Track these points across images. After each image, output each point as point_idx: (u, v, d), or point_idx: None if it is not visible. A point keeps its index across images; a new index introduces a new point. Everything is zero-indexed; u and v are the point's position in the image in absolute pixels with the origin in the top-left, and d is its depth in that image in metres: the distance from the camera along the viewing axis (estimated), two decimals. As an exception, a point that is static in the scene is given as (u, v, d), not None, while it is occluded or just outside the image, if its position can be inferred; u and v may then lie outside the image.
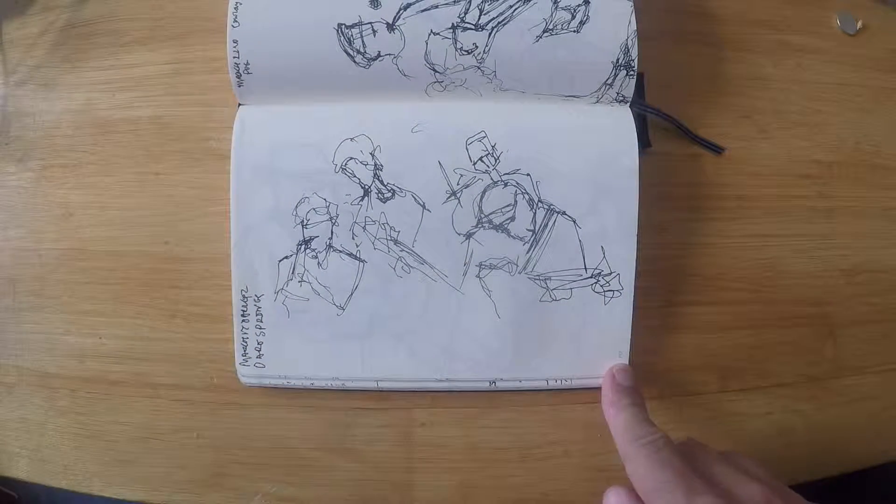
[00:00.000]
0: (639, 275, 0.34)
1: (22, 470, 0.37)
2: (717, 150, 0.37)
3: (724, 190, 0.38)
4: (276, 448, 0.36)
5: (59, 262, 0.37)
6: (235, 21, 0.33)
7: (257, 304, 0.34)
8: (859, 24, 0.40)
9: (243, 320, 0.34)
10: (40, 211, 0.38)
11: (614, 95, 0.34)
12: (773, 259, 0.38)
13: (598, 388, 0.34)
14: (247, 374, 0.34)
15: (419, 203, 0.33)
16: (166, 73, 0.38)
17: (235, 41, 0.33)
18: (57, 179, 0.38)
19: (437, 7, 0.33)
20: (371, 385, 0.34)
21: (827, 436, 0.37)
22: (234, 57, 0.33)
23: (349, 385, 0.34)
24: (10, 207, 0.38)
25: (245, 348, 0.34)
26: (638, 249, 0.34)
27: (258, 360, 0.34)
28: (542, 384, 0.35)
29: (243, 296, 0.34)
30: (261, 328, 0.34)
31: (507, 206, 0.33)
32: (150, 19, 0.39)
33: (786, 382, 0.37)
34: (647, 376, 0.36)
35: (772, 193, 0.38)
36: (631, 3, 0.34)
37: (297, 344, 0.34)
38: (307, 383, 0.34)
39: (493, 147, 0.33)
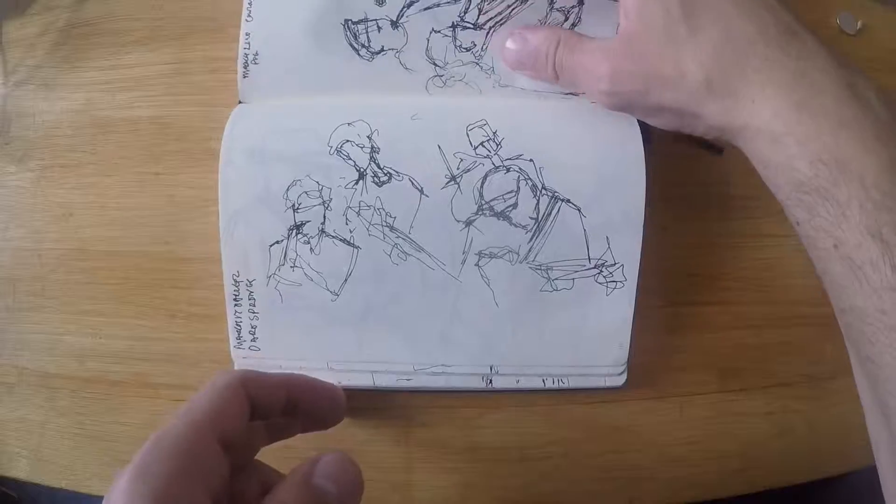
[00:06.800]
0: (640, 273, 0.34)
1: (22, 470, 0.37)
2: (716, 151, 0.37)
3: (725, 190, 0.38)
4: (276, 448, 0.35)
5: (59, 262, 0.37)
6: (249, 16, 0.34)
7: (249, 288, 0.33)
8: (859, 24, 0.40)
9: (236, 304, 0.33)
10: (40, 211, 0.38)
11: None
12: (773, 259, 0.38)
13: (596, 389, 0.34)
14: (241, 357, 0.34)
15: (417, 188, 0.32)
16: (166, 73, 0.38)
17: (248, 34, 0.34)
18: (57, 179, 0.38)
19: (438, 6, 0.34)
20: (367, 381, 0.34)
21: (827, 436, 0.37)
22: (245, 48, 0.34)
23: (344, 377, 0.34)
24: (10, 207, 0.38)
25: (239, 332, 0.34)
26: (644, 239, 0.33)
27: (253, 344, 0.34)
28: (538, 383, 0.34)
29: (235, 280, 0.33)
30: (254, 312, 0.33)
31: (510, 192, 0.33)
32: (150, 19, 0.39)
33: (786, 382, 0.37)
34: (647, 376, 0.36)
35: (772, 193, 0.38)
36: None
37: (292, 329, 0.34)
38: (301, 369, 0.34)
39: (494, 133, 0.33)
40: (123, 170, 0.38)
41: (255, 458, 0.27)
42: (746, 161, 0.38)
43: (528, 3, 0.34)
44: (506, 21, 0.34)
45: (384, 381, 0.34)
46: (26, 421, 0.37)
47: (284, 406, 0.27)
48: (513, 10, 0.34)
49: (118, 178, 0.38)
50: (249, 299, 0.33)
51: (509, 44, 0.33)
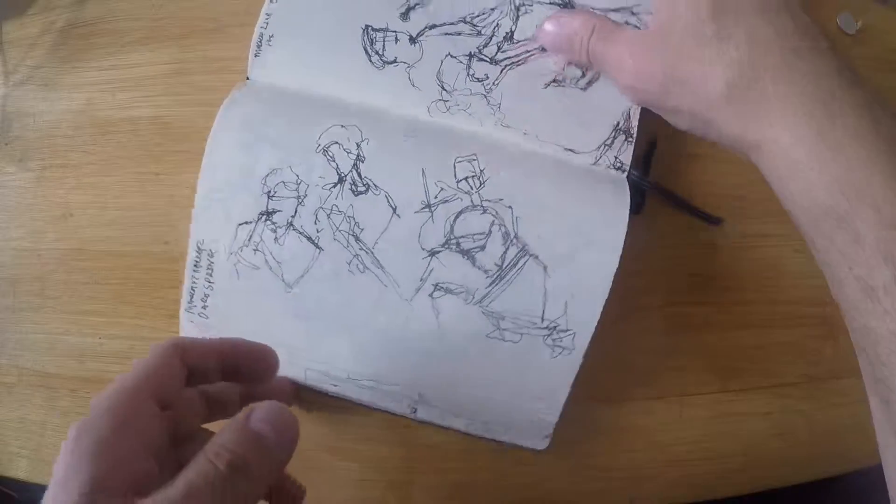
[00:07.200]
0: (590, 344, 0.32)
1: (22, 470, 0.37)
2: (714, 221, 0.37)
3: (725, 190, 0.38)
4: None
5: (59, 262, 0.37)
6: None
7: (210, 258, 0.33)
8: (859, 24, 0.40)
9: (195, 270, 0.34)
10: (40, 211, 0.38)
11: (612, 159, 0.34)
12: (773, 259, 0.37)
13: (514, 446, 0.34)
14: (188, 320, 0.34)
15: (391, 205, 0.32)
16: (166, 73, 0.38)
17: (268, 14, 0.35)
18: (57, 179, 0.38)
19: (459, 34, 0.34)
20: (299, 375, 0.34)
21: (827, 436, 0.37)
22: (262, 27, 0.35)
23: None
24: (10, 207, 0.38)
25: (192, 296, 0.34)
26: (601, 317, 0.32)
27: (202, 311, 0.34)
28: (461, 426, 0.34)
29: (199, 247, 0.33)
30: (210, 282, 0.34)
31: (481, 234, 0.32)
32: (150, 19, 0.39)
33: (786, 382, 0.37)
34: (648, 376, 0.36)
35: (772, 193, 0.38)
36: None
37: (241, 307, 0.34)
38: None
39: (481, 171, 0.32)
40: (123, 170, 0.38)
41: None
42: (746, 161, 0.38)
43: (548, 53, 0.34)
44: (522, 64, 0.34)
45: (314, 380, 0.34)
46: (26, 421, 0.37)
47: (222, 371, 0.28)
48: (531, 55, 0.34)
49: (118, 178, 0.38)
50: (208, 269, 0.33)
51: (547, 26, 0.33)
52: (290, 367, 0.33)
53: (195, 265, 0.34)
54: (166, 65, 0.38)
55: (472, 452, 0.36)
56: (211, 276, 0.34)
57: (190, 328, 0.34)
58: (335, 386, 0.34)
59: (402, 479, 0.35)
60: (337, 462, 0.36)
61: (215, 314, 0.34)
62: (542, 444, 0.34)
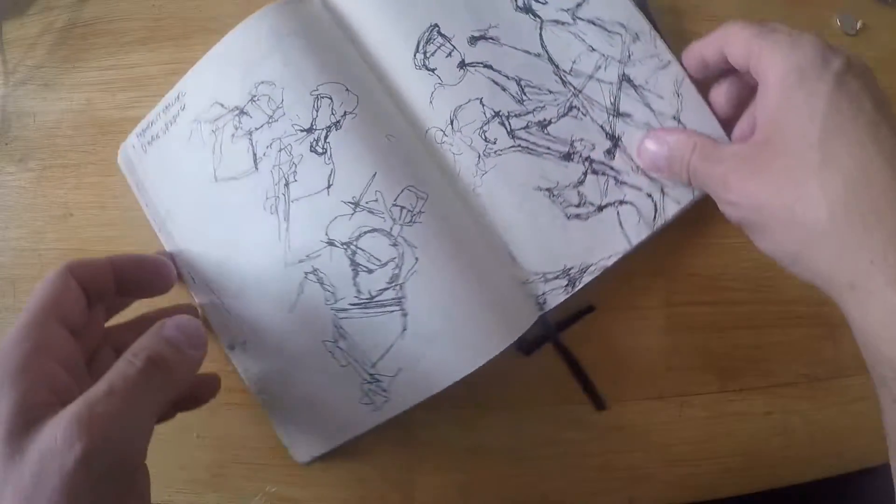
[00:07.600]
0: (395, 417, 0.32)
1: (22, 470, 0.37)
2: (599, 405, 0.36)
3: (724, 190, 0.38)
4: (276, 448, 0.36)
5: (59, 262, 0.37)
6: None
7: (180, 110, 0.34)
8: (859, 24, 0.40)
9: (163, 111, 0.35)
10: (40, 211, 0.38)
11: (539, 293, 0.33)
12: (773, 259, 0.37)
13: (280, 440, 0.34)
14: (131, 145, 0.36)
15: (329, 181, 0.32)
16: (166, 73, 0.38)
17: None
18: (57, 179, 0.38)
19: (504, 89, 0.34)
20: (175, 250, 0.35)
21: (827, 436, 0.37)
22: None
23: (165, 239, 0.36)
24: (10, 207, 0.38)
25: (147, 129, 0.36)
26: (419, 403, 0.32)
27: (146, 145, 0.35)
28: (254, 388, 0.34)
29: (178, 95, 0.35)
30: (167, 131, 0.35)
31: (377, 259, 0.32)
32: (150, 19, 0.39)
33: (786, 382, 0.37)
34: (648, 376, 0.36)
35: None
36: (628, 247, 0.33)
37: (172, 168, 0.35)
38: (151, 211, 0.36)
39: (419, 212, 0.32)
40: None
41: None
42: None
43: (567, 162, 0.34)
44: (535, 154, 0.34)
45: (183, 264, 0.35)
46: (26, 421, 0.37)
47: (117, 287, 0.30)
48: (549, 153, 0.34)
49: (118, 178, 0.38)
50: (173, 117, 0.35)
51: (649, 144, 0.32)
52: (169, 241, 0.36)
53: (166, 106, 0.35)
54: (166, 65, 0.38)
55: (472, 451, 0.36)
56: (171, 125, 0.35)
57: (130, 151, 0.37)
58: (193, 281, 0.35)
59: (403, 478, 0.35)
60: (337, 462, 0.36)
61: (151, 156, 0.36)
62: (302, 458, 0.34)
